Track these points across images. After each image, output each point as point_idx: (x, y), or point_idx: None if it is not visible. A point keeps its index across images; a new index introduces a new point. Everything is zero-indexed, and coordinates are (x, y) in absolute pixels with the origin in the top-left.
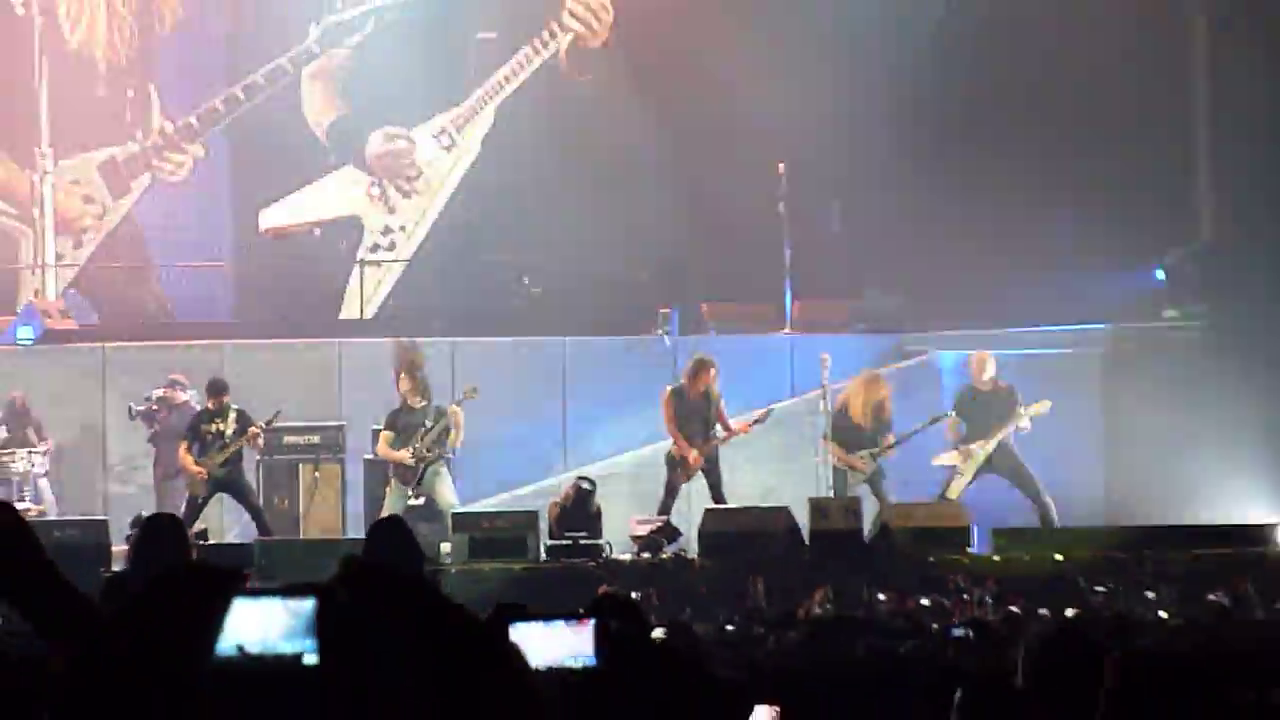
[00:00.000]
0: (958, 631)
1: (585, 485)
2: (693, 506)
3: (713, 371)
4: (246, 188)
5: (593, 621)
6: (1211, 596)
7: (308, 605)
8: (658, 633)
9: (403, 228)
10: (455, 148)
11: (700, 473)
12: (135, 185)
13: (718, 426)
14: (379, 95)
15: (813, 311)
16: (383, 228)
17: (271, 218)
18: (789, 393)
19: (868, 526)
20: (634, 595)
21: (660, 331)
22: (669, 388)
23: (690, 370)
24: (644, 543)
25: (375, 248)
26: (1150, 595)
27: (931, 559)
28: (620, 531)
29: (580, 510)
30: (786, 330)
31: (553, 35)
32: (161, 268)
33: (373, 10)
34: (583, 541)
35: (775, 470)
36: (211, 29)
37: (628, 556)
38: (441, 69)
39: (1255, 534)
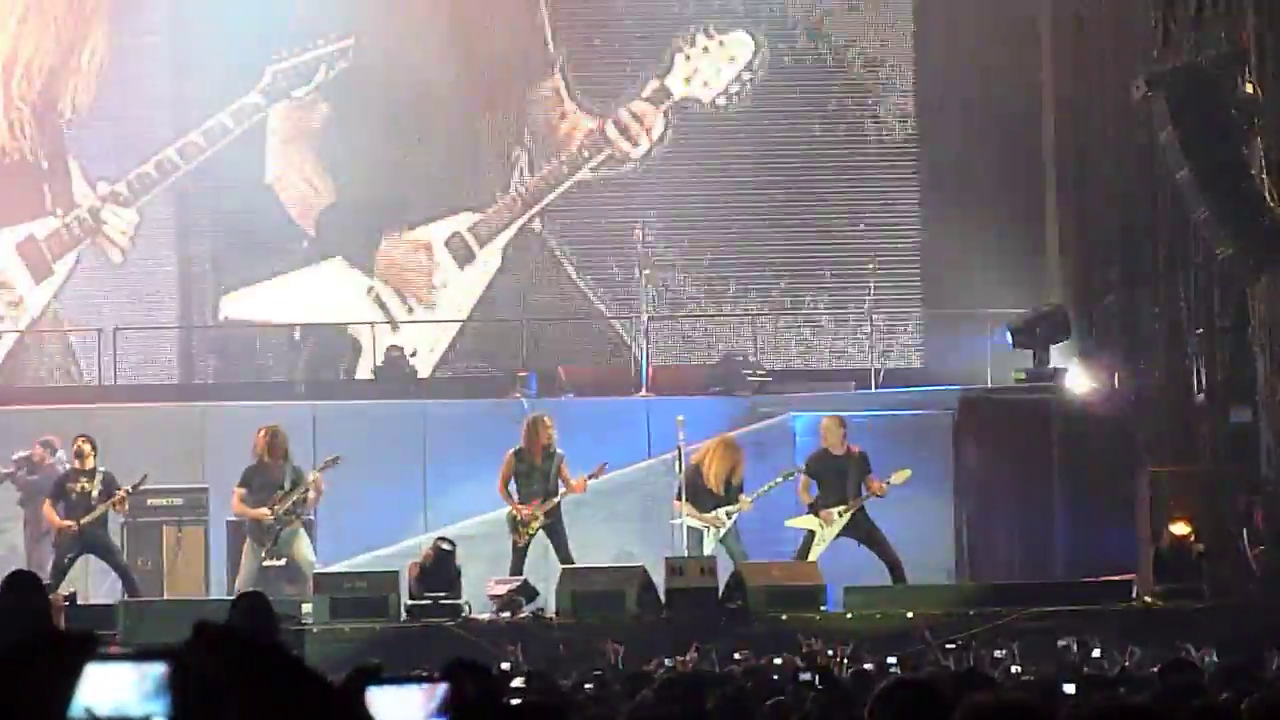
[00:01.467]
0: (807, 679)
1: (445, 546)
2: (553, 567)
3: (549, 430)
4: (197, 260)
5: (443, 685)
6: (1061, 642)
7: (159, 669)
8: (517, 682)
9: (414, 354)
10: (473, 263)
11: (544, 531)
12: (60, 265)
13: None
14: (364, 175)
15: (668, 374)
16: (387, 349)
17: (238, 308)
18: (645, 454)
19: (722, 585)
20: (503, 665)
21: (518, 394)
22: (511, 449)
23: (526, 430)
24: (502, 602)
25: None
26: (999, 653)
27: (785, 616)
28: (480, 591)
29: (440, 570)
30: (643, 393)
31: (598, 148)
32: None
33: (322, 58)
34: (443, 601)
35: (631, 531)
36: (147, 90)
37: (486, 616)
38: (443, 161)
39: (1111, 589)
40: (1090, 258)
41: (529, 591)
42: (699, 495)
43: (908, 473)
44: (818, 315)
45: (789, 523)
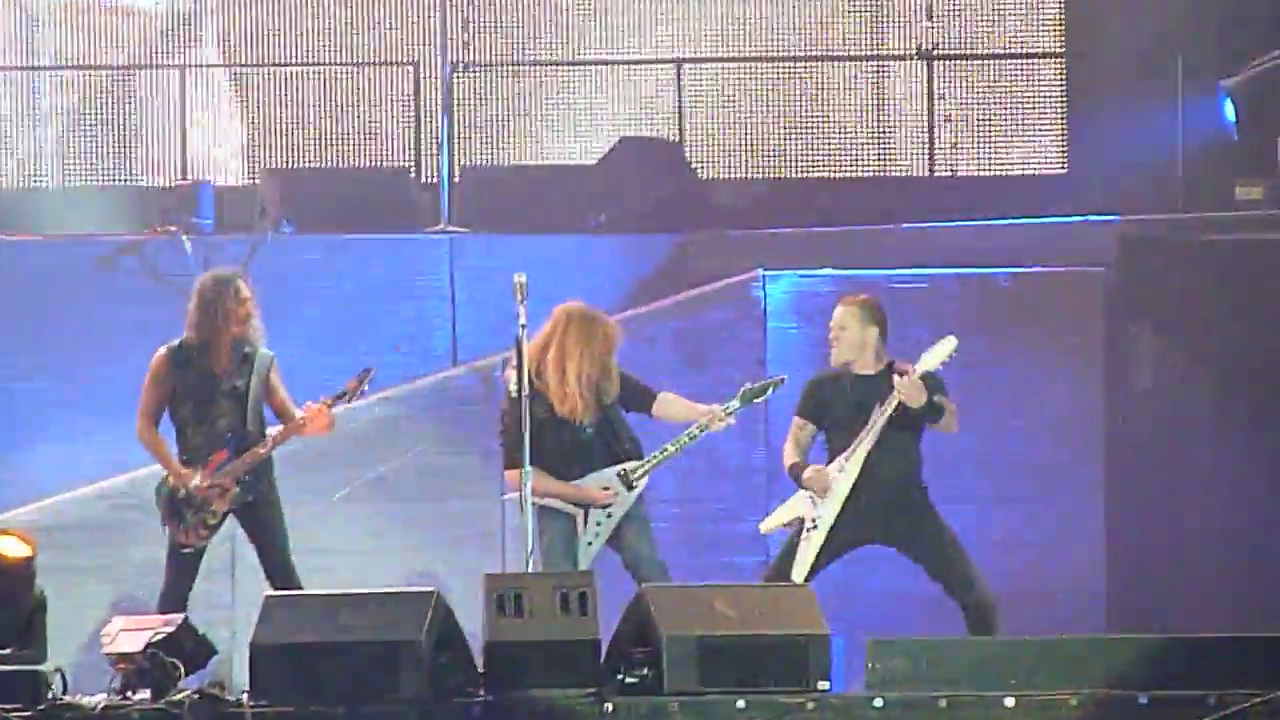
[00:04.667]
0: None
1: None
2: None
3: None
4: None
5: None
6: None
7: None
8: None
9: None
10: None
11: (238, 518)
12: None
13: None
14: None
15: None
16: None
17: None
18: (445, 359)
19: (607, 636)
20: None
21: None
22: (164, 346)
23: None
24: (134, 668)
25: None
26: None
27: (742, 705)
28: (81, 644)
29: None
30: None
31: None
32: None
33: None
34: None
35: (411, 515)
36: None
37: (92, 700)
38: None
39: None
40: None
41: (197, 644)
42: (550, 439)
43: (952, 342)
44: None
45: (765, 527)
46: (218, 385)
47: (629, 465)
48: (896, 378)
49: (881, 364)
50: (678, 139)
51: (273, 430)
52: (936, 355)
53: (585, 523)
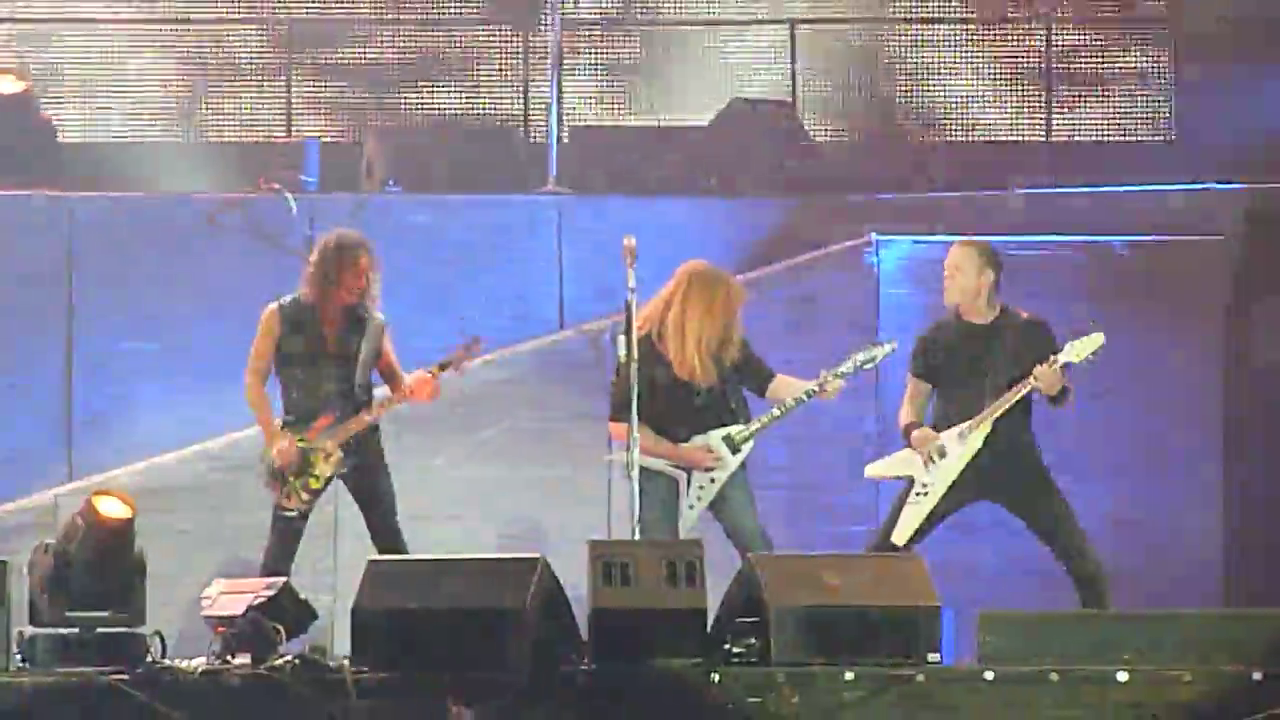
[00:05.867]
0: None
1: (109, 510)
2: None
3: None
4: None
5: None
6: None
7: None
8: None
9: None
10: None
11: (345, 484)
12: None
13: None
14: None
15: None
16: None
17: None
18: (553, 323)
19: (715, 604)
20: None
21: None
22: (271, 303)
23: (322, 261)
24: (236, 631)
25: None
26: None
27: (851, 678)
28: (181, 607)
29: (98, 564)
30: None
31: None
32: None
33: None
34: (97, 628)
35: (515, 481)
36: None
37: (193, 662)
38: None
39: None
40: None
41: (298, 609)
42: (664, 400)
43: (1099, 339)
44: None
45: (871, 471)
46: (326, 347)
47: (734, 429)
48: (1037, 366)
49: (994, 312)
50: (791, 100)
51: (380, 395)
52: (1083, 349)
53: (688, 486)
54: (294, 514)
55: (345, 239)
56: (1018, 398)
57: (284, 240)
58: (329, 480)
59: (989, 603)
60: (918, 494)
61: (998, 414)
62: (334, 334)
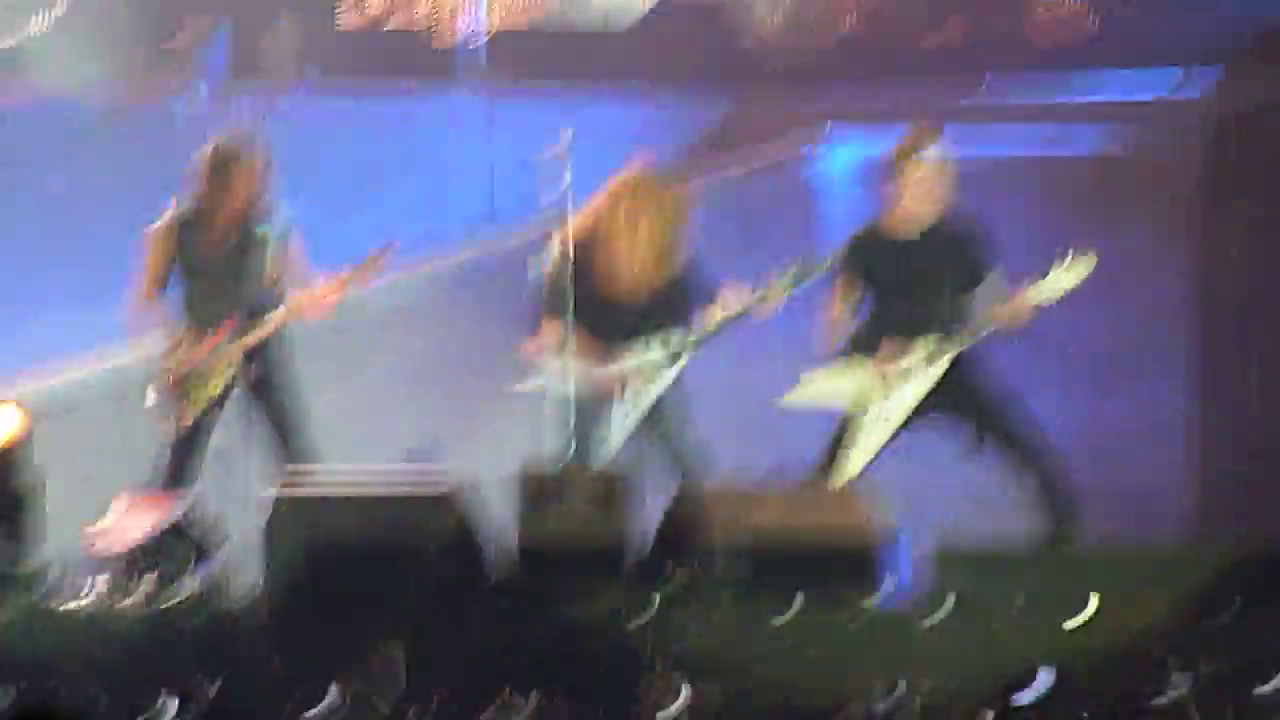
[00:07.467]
0: None
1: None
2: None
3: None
4: None
5: None
6: None
7: None
8: None
9: None
10: None
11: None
12: None
13: None
14: None
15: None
16: None
17: None
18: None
19: (651, 529)
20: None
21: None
22: (169, 210)
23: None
24: (138, 555)
25: None
26: None
27: (794, 615)
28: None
29: None
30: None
31: None
32: None
33: None
34: None
35: (439, 399)
36: None
37: (93, 596)
38: None
39: None
40: None
41: (204, 532)
42: (595, 306)
43: (1089, 263)
44: None
45: (793, 399)
46: (224, 257)
47: (671, 338)
48: (1008, 304)
49: (937, 219)
50: None
51: (286, 304)
52: (1064, 281)
53: (621, 398)
54: (192, 426)
55: (232, 142)
56: (979, 336)
57: (197, 135)
58: (229, 389)
59: (946, 529)
60: (859, 433)
61: (961, 346)
62: (229, 244)
